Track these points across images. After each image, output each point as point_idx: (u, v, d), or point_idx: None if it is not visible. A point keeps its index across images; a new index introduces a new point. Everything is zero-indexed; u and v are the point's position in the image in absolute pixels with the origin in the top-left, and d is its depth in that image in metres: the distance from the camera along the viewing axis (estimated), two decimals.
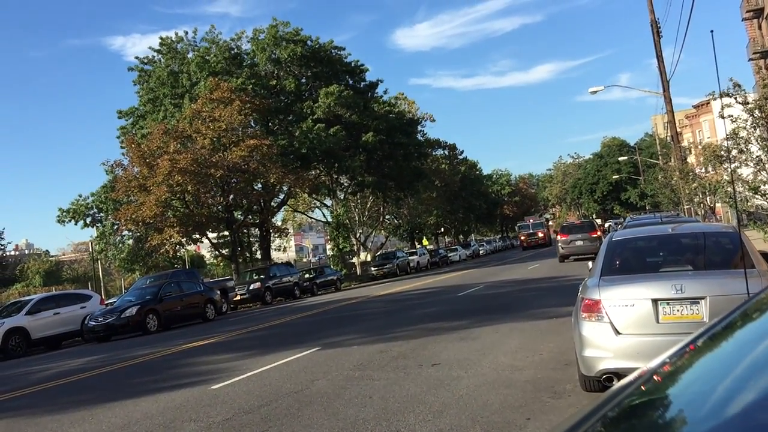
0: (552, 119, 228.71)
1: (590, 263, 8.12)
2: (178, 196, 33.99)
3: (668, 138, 44.22)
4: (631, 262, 6.93)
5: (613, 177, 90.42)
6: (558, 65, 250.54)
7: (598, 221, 56.54)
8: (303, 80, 43.71)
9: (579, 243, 31.57)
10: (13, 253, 77.36)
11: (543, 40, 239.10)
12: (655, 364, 1.36)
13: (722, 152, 21.57)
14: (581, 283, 7.07)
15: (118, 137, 43.47)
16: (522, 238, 65.17)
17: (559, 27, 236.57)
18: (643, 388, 1.28)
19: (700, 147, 37.93)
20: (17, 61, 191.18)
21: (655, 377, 1.31)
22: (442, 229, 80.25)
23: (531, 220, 68.09)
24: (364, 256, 54.01)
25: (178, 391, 9.26)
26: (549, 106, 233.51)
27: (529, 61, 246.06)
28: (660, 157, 57.68)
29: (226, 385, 9.21)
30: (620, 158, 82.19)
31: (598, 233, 32.38)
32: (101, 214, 40.86)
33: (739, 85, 18.18)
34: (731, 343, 1.33)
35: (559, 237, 33.20)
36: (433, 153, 65.43)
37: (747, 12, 43.36)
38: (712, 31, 4.39)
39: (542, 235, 63.70)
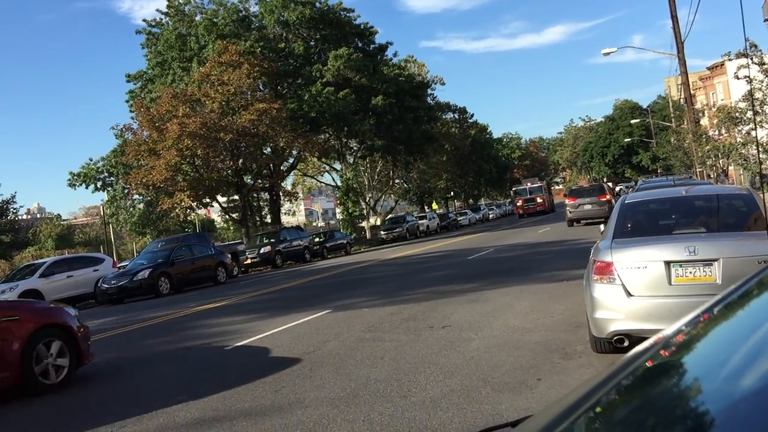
0: (564, 82, 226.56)
1: (602, 226, 8.10)
2: (187, 160, 34.01)
3: (681, 100, 43.66)
4: (644, 225, 6.89)
5: (625, 140, 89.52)
6: (570, 27, 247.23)
7: (609, 185, 54.87)
8: (312, 43, 43.27)
9: (588, 207, 31.30)
10: (25, 217, 78.00)
11: (555, 1, 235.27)
12: (669, 333, 1.35)
13: (737, 114, 21.30)
14: (592, 246, 7.06)
15: (128, 101, 43.38)
16: (518, 204, 56.46)
17: None
18: (656, 357, 1.28)
19: (713, 109, 37.44)
20: (26, 25, 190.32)
21: (669, 346, 1.30)
22: (452, 193, 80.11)
23: (529, 184, 57.75)
24: (374, 220, 54.14)
25: (192, 352, 9.39)
26: (561, 69, 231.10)
27: (541, 23, 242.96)
28: (673, 120, 57.03)
29: (239, 347, 9.34)
30: (632, 121, 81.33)
31: (608, 197, 32.06)
32: (112, 178, 41.08)
33: (756, 46, 17.89)
34: (747, 312, 1.31)
35: (567, 201, 32.99)
36: (443, 116, 65.01)
37: None
38: None
39: (541, 200, 55.17)
